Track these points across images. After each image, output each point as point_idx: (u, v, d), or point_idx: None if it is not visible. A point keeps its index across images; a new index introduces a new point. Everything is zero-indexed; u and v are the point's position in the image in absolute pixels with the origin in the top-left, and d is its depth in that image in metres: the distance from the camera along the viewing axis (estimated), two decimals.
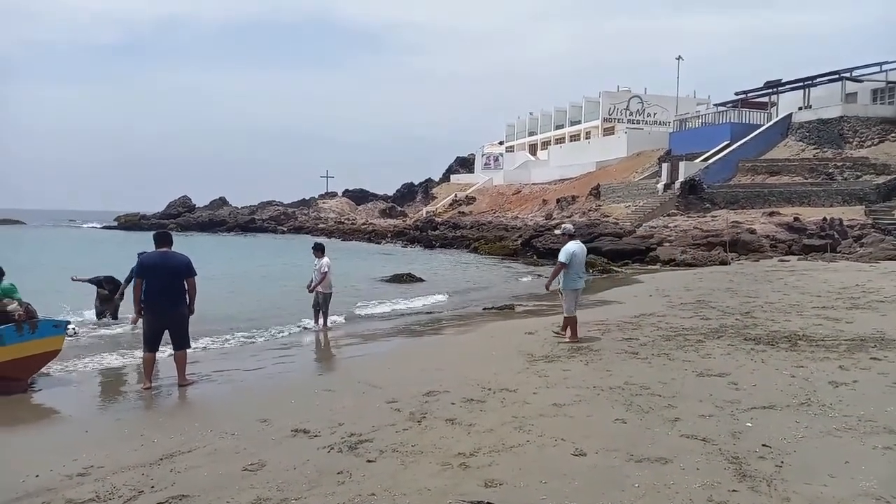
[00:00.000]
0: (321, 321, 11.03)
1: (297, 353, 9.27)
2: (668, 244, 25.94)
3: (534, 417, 5.31)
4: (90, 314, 11.44)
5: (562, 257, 8.69)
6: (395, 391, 6.30)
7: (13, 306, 7.07)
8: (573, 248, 8.74)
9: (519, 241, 31.97)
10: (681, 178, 33.08)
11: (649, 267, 23.11)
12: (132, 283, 9.47)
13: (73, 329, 9.49)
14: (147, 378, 6.80)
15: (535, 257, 28.80)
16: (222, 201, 69.26)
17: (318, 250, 11.18)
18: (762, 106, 40.75)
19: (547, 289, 8.99)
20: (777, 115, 37.85)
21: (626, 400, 5.76)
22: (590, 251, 25.92)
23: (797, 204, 28.62)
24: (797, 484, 3.86)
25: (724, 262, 21.59)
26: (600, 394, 6.01)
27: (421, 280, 19.63)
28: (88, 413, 6.24)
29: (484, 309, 13.60)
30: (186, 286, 6.89)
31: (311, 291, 10.96)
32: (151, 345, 6.84)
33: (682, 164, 34.40)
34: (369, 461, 4.37)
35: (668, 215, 30.90)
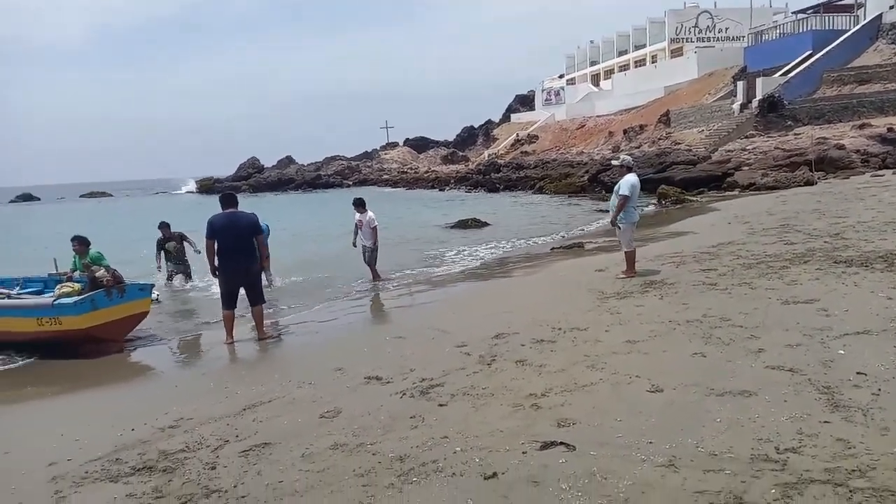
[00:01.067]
0: (372, 275, 10.82)
1: (367, 304, 9.44)
2: (746, 168, 24.52)
3: (606, 355, 5.18)
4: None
5: (624, 190, 8.36)
6: (464, 335, 6.30)
7: (101, 272, 7.48)
8: (633, 179, 8.46)
9: (586, 177, 31.10)
10: (758, 96, 30.88)
11: (727, 194, 21.97)
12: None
13: (157, 295, 9.97)
14: (228, 334, 7.10)
15: (603, 192, 27.96)
16: (289, 160, 70.67)
17: (360, 205, 10.74)
18: (848, 9, 37.07)
19: (612, 224, 8.71)
20: (865, 18, 34.34)
21: (704, 333, 5.52)
22: (661, 181, 25.13)
23: (891, 113, 26.20)
24: None
25: (809, 183, 20.20)
26: (676, 328, 5.78)
27: (486, 224, 19.49)
28: (176, 370, 6.63)
29: (552, 249, 13.37)
30: (256, 244, 7.07)
31: (370, 249, 10.67)
32: (228, 303, 7.10)
33: (759, 81, 32.02)
34: (441, 405, 4.40)
35: (746, 137, 29.07)
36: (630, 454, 3.41)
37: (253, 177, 63.38)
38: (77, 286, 7.57)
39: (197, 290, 10.91)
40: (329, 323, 7.94)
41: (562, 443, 3.60)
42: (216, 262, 6.94)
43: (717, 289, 7.19)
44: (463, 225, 19.63)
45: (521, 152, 52.09)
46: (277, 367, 5.98)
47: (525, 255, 13.24)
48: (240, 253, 6.97)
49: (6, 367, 7.00)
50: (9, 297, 8.31)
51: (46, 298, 7.54)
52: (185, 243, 11.34)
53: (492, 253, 14.07)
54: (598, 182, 29.79)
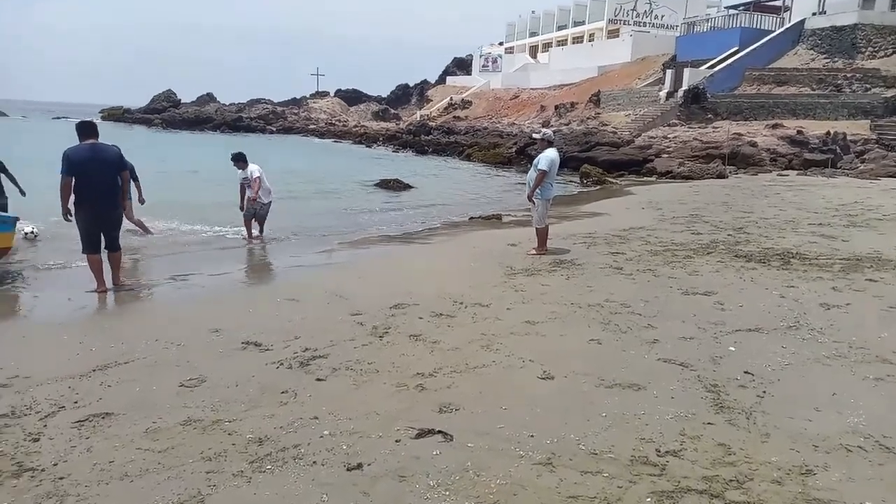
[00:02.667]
0: (255, 231, 10.00)
1: (266, 259, 8.87)
2: (666, 155, 25.19)
3: (503, 335, 4.97)
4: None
5: (543, 164, 8.14)
6: (363, 303, 5.94)
7: None
8: (552, 154, 8.23)
9: (513, 149, 31.05)
10: (684, 87, 31.68)
11: (645, 179, 22.50)
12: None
13: (33, 231, 8.93)
14: (100, 281, 6.38)
15: (528, 165, 28.03)
16: (209, 97, 66.81)
17: (241, 160, 9.68)
18: (776, 10, 38.56)
19: (529, 199, 8.50)
20: (790, 21, 35.83)
21: (603, 318, 5.42)
22: (585, 160, 25.43)
23: (802, 116, 27.57)
24: (779, 418, 3.55)
25: (721, 176, 20.98)
26: (577, 311, 5.66)
27: (409, 187, 19.01)
28: (31, 317, 5.90)
29: (470, 218, 13.15)
30: (120, 181, 6.33)
31: (252, 207, 9.74)
32: (94, 246, 6.32)
33: (686, 72, 32.84)
34: (319, 380, 4.03)
35: (669, 125, 29.84)
36: (509, 448, 3.19)
37: (168, 111, 59.53)
38: None
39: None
40: (218, 277, 7.34)
41: (439, 431, 3.35)
42: (82, 202, 6.08)
43: (623, 273, 7.16)
44: (385, 185, 19.06)
45: (454, 117, 51.49)
46: (148, 322, 5.38)
47: (442, 222, 12.94)
48: (104, 191, 6.18)
49: None
50: None
51: None
52: (3, 176, 8.71)
53: (409, 217, 13.68)
54: (524, 155, 29.82)
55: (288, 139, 47.97)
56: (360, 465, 2.99)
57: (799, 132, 25.14)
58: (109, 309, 6.06)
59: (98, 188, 6.14)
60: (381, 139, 45.36)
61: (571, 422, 3.49)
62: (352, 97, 68.98)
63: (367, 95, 70.75)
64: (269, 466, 2.95)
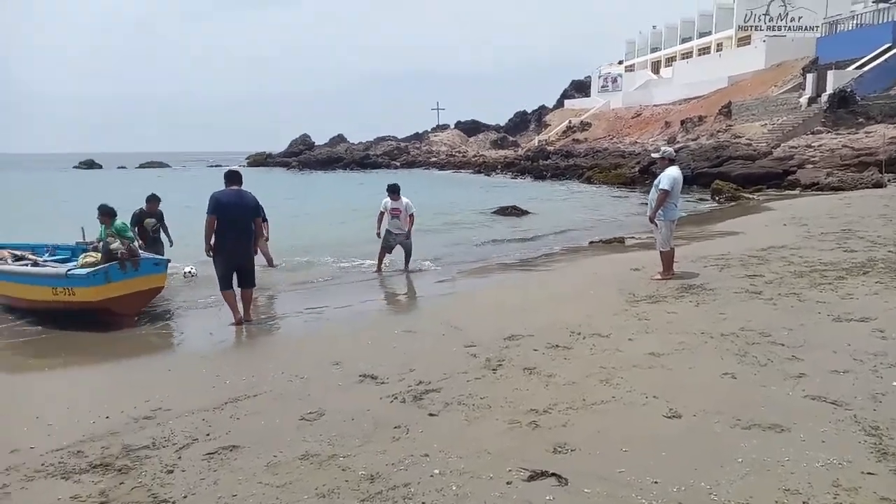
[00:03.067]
0: (386, 262, 10.10)
1: (387, 291, 9.12)
2: (810, 166, 23.06)
3: (625, 369, 4.68)
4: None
5: (664, 184, 7.73)
6: (477, 334, 5.89)
7: (115, 244, 7.35)
8: (675, 173, 7.80)
9: (636, 169, 29.95)
10: (829, 90, 28.96)
11: (787, 193, 20.69)
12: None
13: (191, 271, 9.80)
14: (235, 313, 6.88)
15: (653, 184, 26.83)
16: (340, 138, 71.13)
17: (396, 192, 9.78)
18: None
19: (651, 221, 8.08)
20: None
21: (739, 350, 4.95)
22: (717, 176, 23.88)
23: None
24: None
25: (878, 185, 18.76)
26: (708, 341, 5.22)
27: (526, 213, 18.89)
28: (177, 352, 6.45)
29: (590, 242, 12.75)
30: (254, 226, 6.86)
31: (395, 239, 9.90)
32: (227, 283, 6.87)
33: (830, 74, 30.03)
34: (431, 415, 4.01)
35: (813, 133, 27.32)
36: (629, 495, 2.95)
37: (303, 153, 64.10)
38: (100, 256, 7.51)
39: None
40: (343, 310, 7.63)
41: (553, 474, 3.17)
42: (213, 241, 6.69)
43: (761, 298, 6.54)
44: (503, 212, 19.09)
45: (573, 140, 50.78)
46: (277, 355, 5.69)
47: (561, 248, 12.66)
48: (242, 233, 6.76)
49: (22, 339, 6.88)
50: (35, 263, 8.35)
51: (62, 268, 7.49)
52: (161, 228, 9.70)
53: (526, 243, 13.53)
54: (649, 174, 28.60)
55: (411, 172, 49.72)
56: None
57: None
58: (244, 342, 6.49)
59: (237, 229, 6.71)
60: (499, 167, 45.69)
61: (702, 467, 3.17)
62: (470, 128, 70.38)
63: (486, 125, 71.85)
64: None
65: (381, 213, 9.99)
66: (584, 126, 53.79)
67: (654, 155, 8.65)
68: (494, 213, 19.13)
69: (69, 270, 7.19)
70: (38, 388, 5.22)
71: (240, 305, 6.98)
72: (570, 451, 3.42)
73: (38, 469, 3.42)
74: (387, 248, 10.06)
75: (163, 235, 9.76)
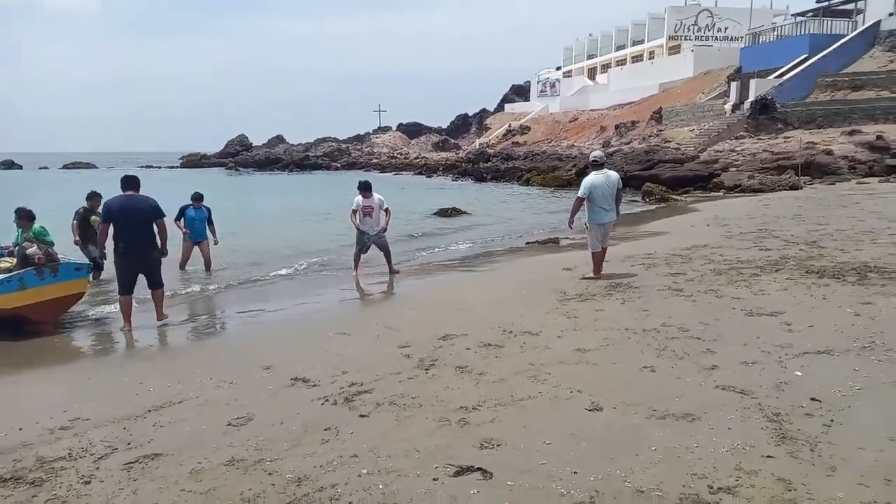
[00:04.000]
0: (361, 264, 9.84)
1: (323, 294, 9.04)
2: (734, 169, 24.25)
3: (552, 365, 4.83)
4: None
5: (580, 191, 8.10)
6: (412, 334, 5.94)
7: (32, 249, 7.01)
8: (592, 179, 8.06)
9: (573, 171, 30.72)
10: (751, 97, 30.52)
11: (712, 194, 21.72)
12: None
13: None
14: (126, 320, 6.82)
15: None
16: (279, 139, 69.87)
17: (367, 189, 9.55)
18: (847, 14, 36.70)
19: (569, 226, 8.48)
20: (863, 24, 34.01)
21: (659, 344, 5.19)
22: (648, 178, 24.80)
23: (882, 121, 25.92)
24: (848, 449, 3.26)
25: (794, 187, 19.96)
26: (631, 337, 5.45)
27: (466, 213, 19.09)
28: (98, 358, 6.20)
29: (527, 243, 13.02)
30: (157, 228, 6.81)
31: (370, 238, 9.59)
32: (126, 288, 6.84)
33: (752, 82, 31.63)
34: (362, 416, 4.03)
35: (736, 138, 28.75)
36: (550, 486, 3.06)
37: (240, 154, 62.62)
38: (16, 261, 7.14)
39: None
40: (277, 313, 7.54)
41: (479, 469, 3.25)
42: (117, 247, 6.74)
43: (682, 295, 6.87)
44: (443, 213, 19.24)
45: (513, 143, 51.60)
46: (205, 360, 5.56)
47: (498, 248, 12.88)
48: (139, 238, 6.74)
49: None
50: None
51: None
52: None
53: (465, 244, 13.68)
54: (584, 176, 29.47)
55: (349, 174, 49.32)
56: None
57: (879, 137, 23.67)
58: (171, 348, 6.33)
59: (133, 234, 6.66)
60: (440, 169, 45.97)
61: (618, 457, 3.32)
62: (413, 130, 70.50)
63: (428, 127, 72.14)
64: None
65: (353, 212, 9.59)
66: (524, 129, 54.75)
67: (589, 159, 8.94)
68: (435, 214, 19.26)
69: None
70: None
71: (154, 307, 7.09)
72: (496, 447, 3.51)
73: None
74: (361, 249, 9.71)
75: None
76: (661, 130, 35.10)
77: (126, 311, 6.84)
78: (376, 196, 9.59)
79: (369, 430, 3.81)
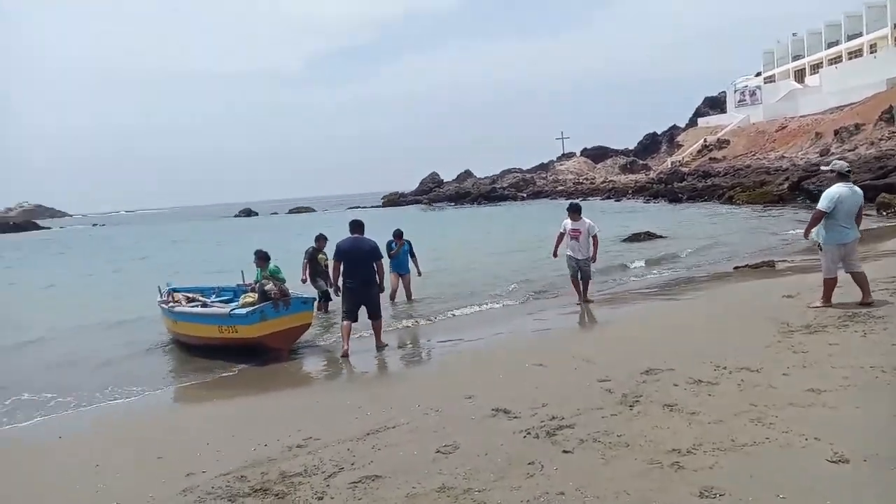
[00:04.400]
0: (583, 291, 9.60)
1: (515, 323, 9.09)
2: None
3: (779, 407, 4.30)
4: None
5: (821, 203, 7.06)
6: (610, 368, 5.71)
7: (269, 286, 8.06)
8: (838, 191, 7.00)
9: (785, 185, 27.74)
10: None
11: None
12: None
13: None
14: (345, 341, 7.55)
15: (807, 202, 24.62)
16: (467, 174, 72.82)
17: (577, 211, 9.42)
18: None
19: (805, 237, 7.50)
20: None
21: None
22: (884, 189, 21.37)
23: None
24: None
25: None
26: (879, 376, 4.67)
27: (661, 237, 18.09)
28: (323, 384, 6.87)
29: (735, 268, 11.91)
30: (376, 267, 7.65)
31: (587, 261, 9.35)
32: (349, 315, 7.67)
33: None
34: (565, 451, 3.93)
35: None
36: None
37: (433, 191, 66.34)
38: (256, 296, 8.28)
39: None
40: (474, 342, 7.75)
41: None
42: (345, 282, 7.67)
43: None
44: (635, 238, 18.43)
45: (710, 159, 48.18)
46: (413, 388, 5.90)
47: (701, 274, 11.96)
48: (360, 275, 7.61)
49: (221, 374, 7.51)
50: (204, 304, 9.37)
51: (225, 309, 8.33)
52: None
53: (661, 272, 12.93)
54: (800, 190, 26.38)
55: (535, 203, 49.65)
56: None
57: None
58: (383, 375, 6.82)
59: (357, 271, 7.60)
60: (630, 192, 44.33)
61: None
62: (598, 154, 69.10)
63: (614, 150, 70.21)
64: None
65: (561, 235, 9.53)
66: (722, 144, 50.86)
67: (822, 168, 7.94)
68: (625, 240, 18.52)
69: (231, 310, 7.98)
70: (209, 417, 5.82)
71: (373, 334, 7.91)
72: (718, 497, 3.20)
73: (209, 492, 3.80)
74: (574, 274, 9.50)
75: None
76: (893, 132, 30.33)
77: (346, 334, 7.61)
78: (587, 220, 9.39)
79: (574, 467, 3.70)
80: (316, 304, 9.07)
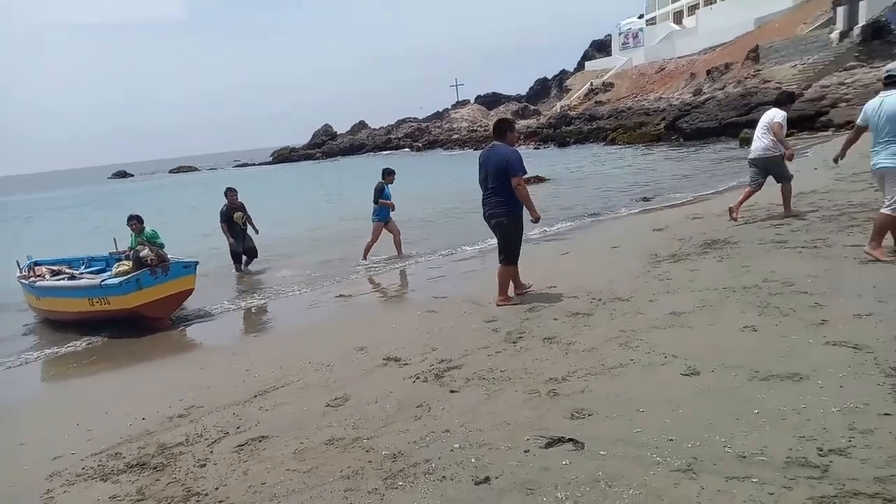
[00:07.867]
0: None
1: (409, 275, 9.19)
2: (844, 104, 22.27)
3: (644, 331, 4.68)
4: None
5: (860, 118, 5.77)
6: (498, 309, 5.94)
7: (145, 252, 7.61)
8: (870, 104, 5.68)
9: (662, 125, 29.38)
10: (861, 21, 27.72)
11: (819, 134, 20.05)
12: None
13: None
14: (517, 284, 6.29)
15: (681, 140, 26.27)
16: (361, 125, 71.37)
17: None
18: None
19: (835, 161, 6.31)
20: None
21: (761, 301, 4.89)
22: (746, 125, 23.17)
23: None
24: None
25: None
26: (730, 296, 5.17)
27: (546, 179, 18.72)
28: (209, 349, 6.66)
29: (611, 206, 12.60)
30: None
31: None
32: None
33: (863, 4, 28.72)
34: (452, 391, 4.09)
35: (846, 69, 26.26)
36: (645, 454, 2.98)
37: (326, 143, 64.56)
38: (131, 264, 7.79)
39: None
40: (367, 295, 7.77)
41: (570, 439, 3.22)
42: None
43: (787, 247, 6.42)
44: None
45: (596, 102, 49.91)
46: (303, 345, 5.84)
47: (577, 213, 12.54)
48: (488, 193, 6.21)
49: (67, 348, 7.18)
50: (72, 276, 8.70)
51: (95, 279, 7.79)
52: (247, 219, 10.33)
53: (545, 214, 13.39)
54: (675, 129, 28.03)
55: (429, 154, 49.61)
56: (487, 479, 2.97)
57: None
58: (272, 336, 6.69)
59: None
60: (521, 137, 45.18)
61: (718, 422, 3.17)
62: (491, 101, 69.79)
63: (506, 96, 71.15)
64: (401, 482, 3.04)
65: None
66: (607, 87, 52.75)
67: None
68: None
69: (103, 281, 7.49)
70: (78, 395, 5.51)
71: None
72: (587, 417, 3.46)
73: (79, 473, 3.63)
74: None
75: (249, 228, 10.45)
76: (758, 71, 32.65)
77: (506, 282, 6.20)
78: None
79: (460, 405, 3.86)
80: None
